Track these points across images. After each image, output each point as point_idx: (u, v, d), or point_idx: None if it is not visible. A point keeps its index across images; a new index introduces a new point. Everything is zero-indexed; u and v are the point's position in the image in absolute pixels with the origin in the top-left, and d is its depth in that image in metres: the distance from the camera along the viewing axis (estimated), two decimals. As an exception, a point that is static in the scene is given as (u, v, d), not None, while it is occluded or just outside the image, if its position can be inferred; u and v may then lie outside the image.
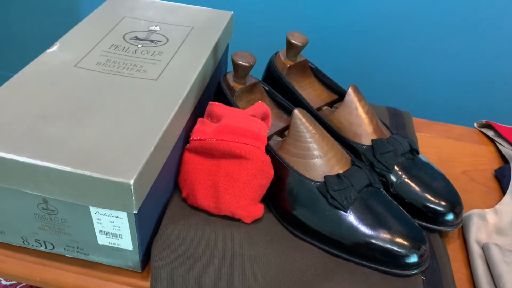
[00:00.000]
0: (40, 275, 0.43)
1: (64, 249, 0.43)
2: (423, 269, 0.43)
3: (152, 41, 0.55)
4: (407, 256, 0.42)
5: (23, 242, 0.44)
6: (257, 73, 0.61)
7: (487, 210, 0.52)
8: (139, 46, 0.54)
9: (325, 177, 0.45)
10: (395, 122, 0.66)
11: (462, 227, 0.51)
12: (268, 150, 0.48)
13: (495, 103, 0.93)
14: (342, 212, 0.44)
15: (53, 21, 1.13)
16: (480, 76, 0.92)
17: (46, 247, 0.44)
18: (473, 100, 0.94)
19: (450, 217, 0.47)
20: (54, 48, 0.51)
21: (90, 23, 0.57)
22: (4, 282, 0.60)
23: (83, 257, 0.43)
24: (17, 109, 0.42)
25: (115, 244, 0.41)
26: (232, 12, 0.64)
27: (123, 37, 0.55)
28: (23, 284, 0.58)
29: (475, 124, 0.69)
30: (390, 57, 0.93)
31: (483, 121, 0.69)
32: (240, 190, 0.45)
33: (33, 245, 0.44)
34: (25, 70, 0.47)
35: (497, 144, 0.65)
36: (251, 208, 0.46)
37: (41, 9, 1.12)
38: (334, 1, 0.88)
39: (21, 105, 0.42)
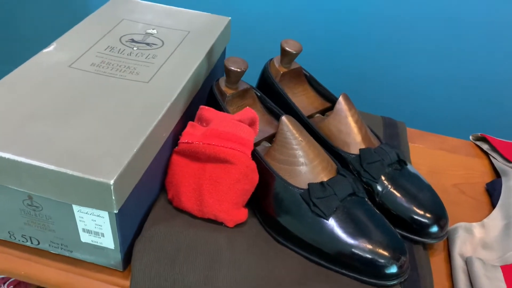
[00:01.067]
0: (24, 269, 0.44)
1: (49, 245, 0.44)
2: (402, 280, 0.43)
3: (147, 44, 0.56)
4: (386, 266, 0.42)
5: (10, 236, 0.45)
6: (255, 79, 0.62)
7: (474, 223, 0.52)
8: (135, 48, 0.55)
9: (308, 184, 0.45)
10: (389, 132, 0.66)
11: (447, 239, 0.51)
12: (255, 155, 0.48)
13: (493, 116, 0.92)
14: (324, 220, 0.44)
15: (61, 20, 1.15)
16: (478, 89, 0.91)
17: (32, 243, 0.45)
18: (471, 113, 0.94)
19: (434, 229, 0.47)
20: (51, 48, 0.52)
21: (88, 25, 0.58)
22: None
23: (67, 254, 0.44)
24: (7, 107, 0.43)
25: (97, 242, 0.42)
26: (229, 18, 0.64)
27: (120, 39, 0.56)
28: (12, 279, 0.59)
29: (471, 137, 0.69)
30: (388, 65, 0.93)
31: (479, 134, 0.68)
32: (223, 194, 0.45)
33: (19, 240, 0.45)
34: (19, 69, 0.48)
35: (491, 158, 0.64)
36: (234, 212, 0.46)
37: (51, 8, 1.14)
38: (332, 10, 0.88)
39: (11, 103, 0.43)
